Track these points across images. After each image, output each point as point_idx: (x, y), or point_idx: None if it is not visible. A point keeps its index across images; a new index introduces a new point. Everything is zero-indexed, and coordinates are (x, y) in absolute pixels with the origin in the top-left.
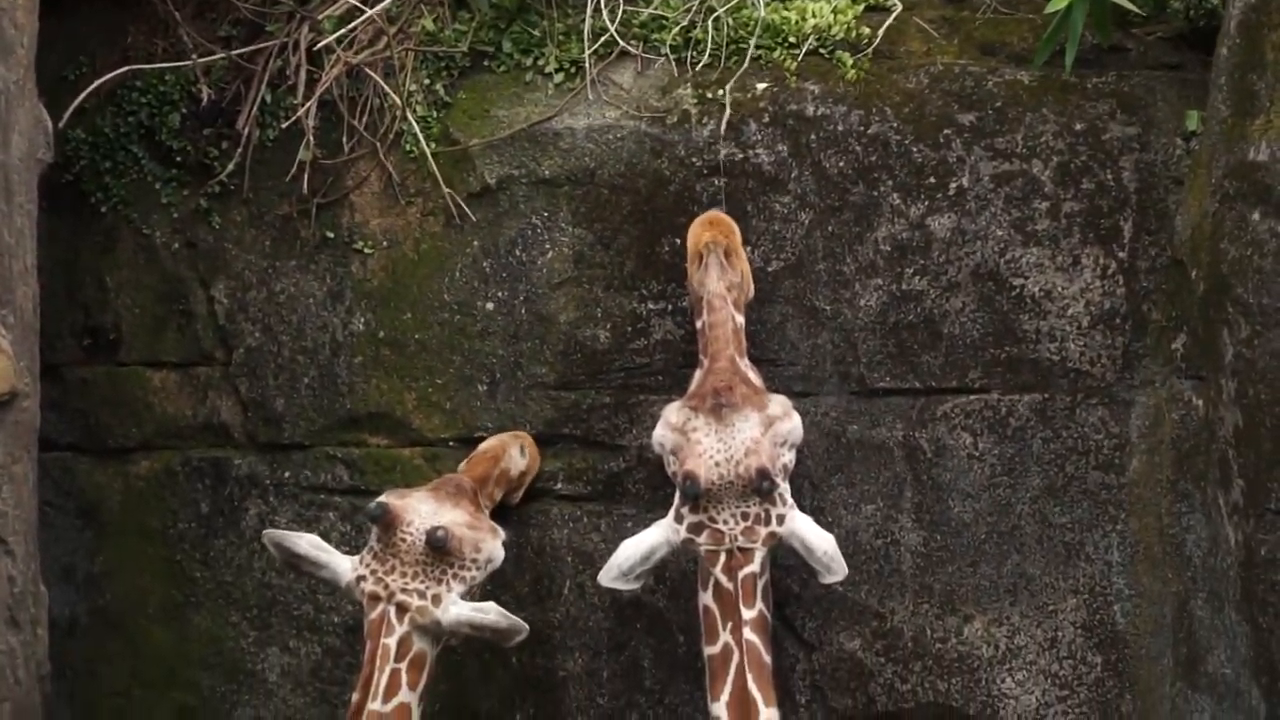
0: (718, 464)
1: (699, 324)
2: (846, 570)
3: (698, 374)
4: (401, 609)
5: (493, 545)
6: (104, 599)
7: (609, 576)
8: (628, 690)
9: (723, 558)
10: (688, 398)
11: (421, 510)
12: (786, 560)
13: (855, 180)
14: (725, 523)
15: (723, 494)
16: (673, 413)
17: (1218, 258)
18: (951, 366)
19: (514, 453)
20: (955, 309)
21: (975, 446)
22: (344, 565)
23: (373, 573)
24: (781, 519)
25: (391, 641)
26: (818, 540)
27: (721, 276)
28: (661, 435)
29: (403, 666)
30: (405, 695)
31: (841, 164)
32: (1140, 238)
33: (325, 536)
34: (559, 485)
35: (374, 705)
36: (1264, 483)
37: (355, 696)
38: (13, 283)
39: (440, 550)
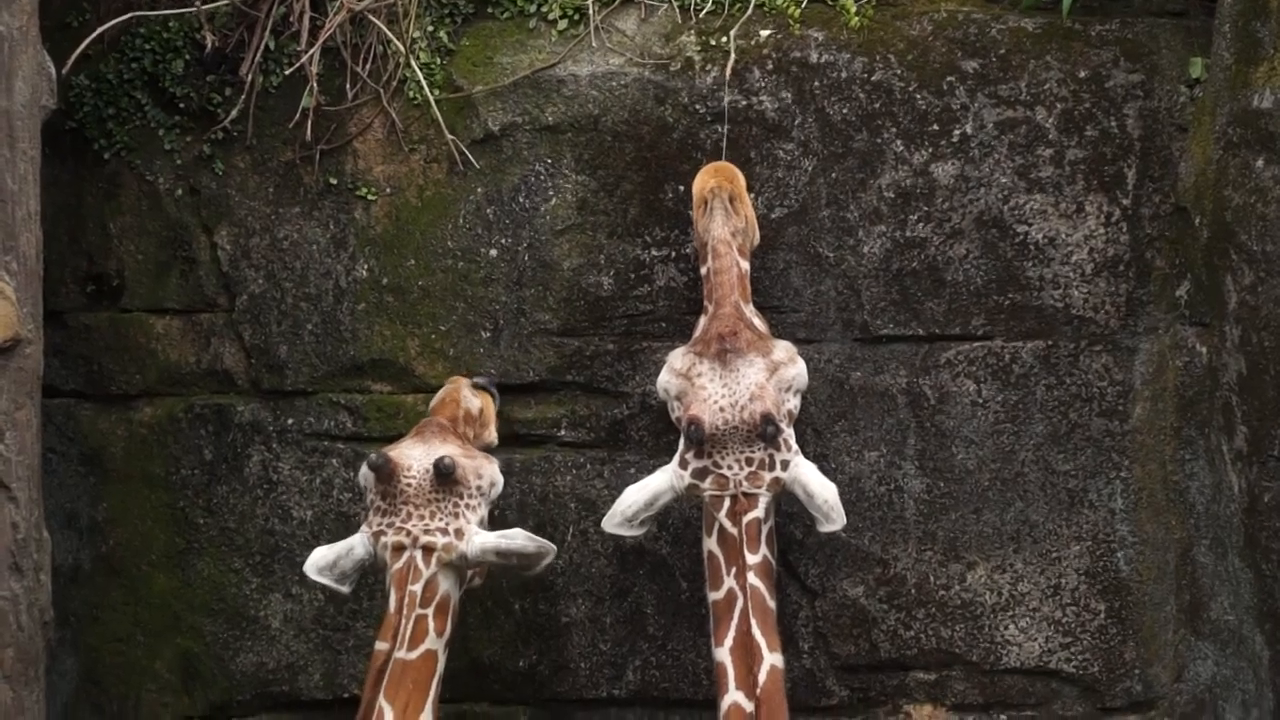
0: (722, 409)
1: (704, 270)
2: (844, 520)
3: (702, 320)
4: (428, 551)
5: (492, 470)
6: (107, 545)
7: (613, 523)
8: (631, 636)
9: (727, 503)
10: (692, 343)
11: (415, 454)
12: (790, 506)
13: (859, 127)
14: (730, 468)
15: (727, 439)
16: (677, 358)
17: (1221, 205)
18: (955, 313)
19: (466, 393)
20: (959, 256)
21: (979, 393)
22: (357, 540)
23: (389, 525)
24: (785, 464)
25: (418, 587)
26: (819, 488)
27: (726, 222)
28: (666, 381)
29: (429, 612)
30: (432, 642)
31: (845, 111)
32: (1144, 185)
33: (328, 484)
34: (562, 432)
35: (400, 654)
36: (1267, 429)
37: (381, 645)
38: (16, 229)
39: (449, 479)
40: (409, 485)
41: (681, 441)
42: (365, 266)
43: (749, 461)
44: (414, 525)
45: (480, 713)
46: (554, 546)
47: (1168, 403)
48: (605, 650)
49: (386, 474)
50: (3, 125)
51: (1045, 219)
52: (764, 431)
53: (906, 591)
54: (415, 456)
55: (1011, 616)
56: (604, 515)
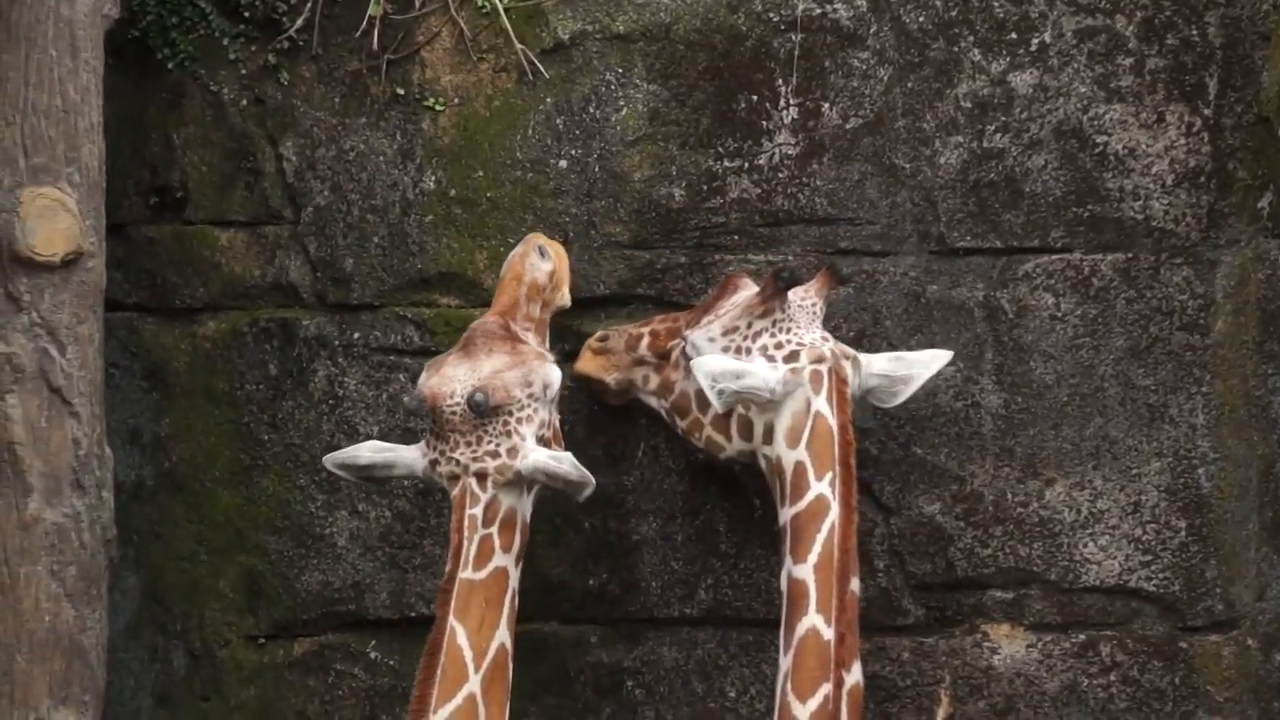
0: None
1: None
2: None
3: None
4: (481, 477)
5: (544, 371)
6: (170, 462)
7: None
8: (702, 554)
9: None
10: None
11: (458, 375)
12: (865, 423)
13: (935, 36)
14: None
15: None
16: None
17: None
18: (1033, 225)
19: (533, 260)
20: (1037, 167)
21: (1057, 307)
22: (412, 455)
23: (441, 453)
24: None
25: (478, 511)
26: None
27: None
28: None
29: (493, 531)
30: (500, 559)
31: (921, 19)
32: (1226, 94)
33: (395, 399)
34: None
35: (465, 574)
36: None
37: (448, 567)
38: (78, 141)
39: (484, 412)
40: (454, 413)
41: None
42: (433, 178)
43: None
44: (462, 454)
45: (550, 632)
46: (593, 480)
47: (1249, 316)
48: (676, 568)
49: (431, 408)
50: (65, 35)
51: (1125, 129)
52: None
53: (984, 509)
54: (458, 379)
55: (1090, 534)
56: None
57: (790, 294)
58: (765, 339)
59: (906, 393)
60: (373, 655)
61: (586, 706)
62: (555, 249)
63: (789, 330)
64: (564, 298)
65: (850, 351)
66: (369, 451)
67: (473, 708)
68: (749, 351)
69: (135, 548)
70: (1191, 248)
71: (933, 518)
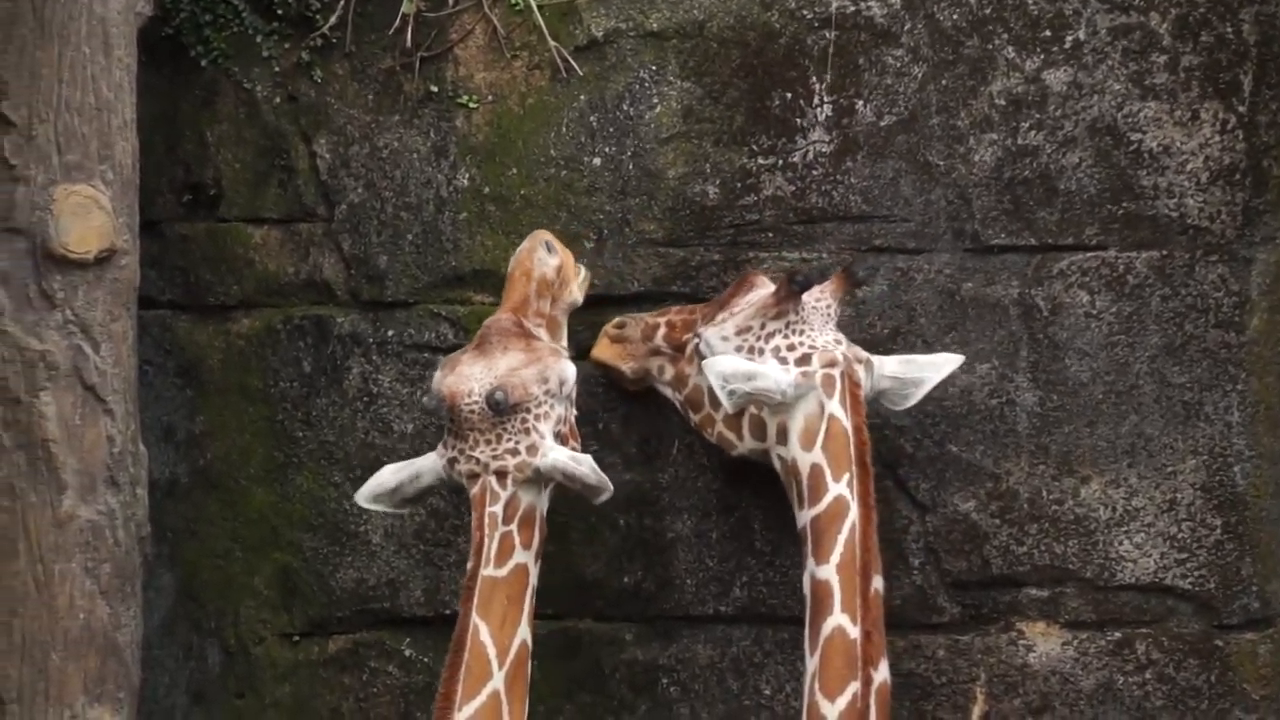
0: None
1: None
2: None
3: None
4: (501, 475)
5: (559, 367)
6: (204, 459)
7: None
8: (737, 552)
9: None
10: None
11: (475, 374)
12: (900, 420)
13: (969, 33)
14: None
15: None
16: None
17: None
18: (1068, 223)
19: (540, 256)
20: (1072, 164)
21: (1092, 304)
22: (430, 462)
23: (460, 452)
24: None
25: (498, 508)
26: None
27: None
28: None
29: (513, 528)
30: (520, 556)
31: (955, 16)
32: (1260, 91)
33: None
34: None
35: (487, 571)
36: None
37: (469, 564)
38: (112, 138)
39: (504, 411)
40: (472, 412)
41: None
42: (466, 175)
43: None
44: (482, 452)
45: (584, 629)
46: (611, 487)
47: None
48: (711, 566)
49: (449, 408)
50: (98, 32)
51: (1159, 127)
52: None
53: (1019, 506)
54: (475, 377)
55: (1126, 532)
56: None
57: (805, 296)
58: (778, 340)
59: (917, 396)
60: (407, 653)
61: (621, 704)
62: (559, 245)
63: (802, 332)
64: (573, 294)
65: (863, 354)
66: (391, 474)
67: (496, 704)
68: (761, 352)
69: (170, 545)
70: (1226, 245)
71: (968, 515)
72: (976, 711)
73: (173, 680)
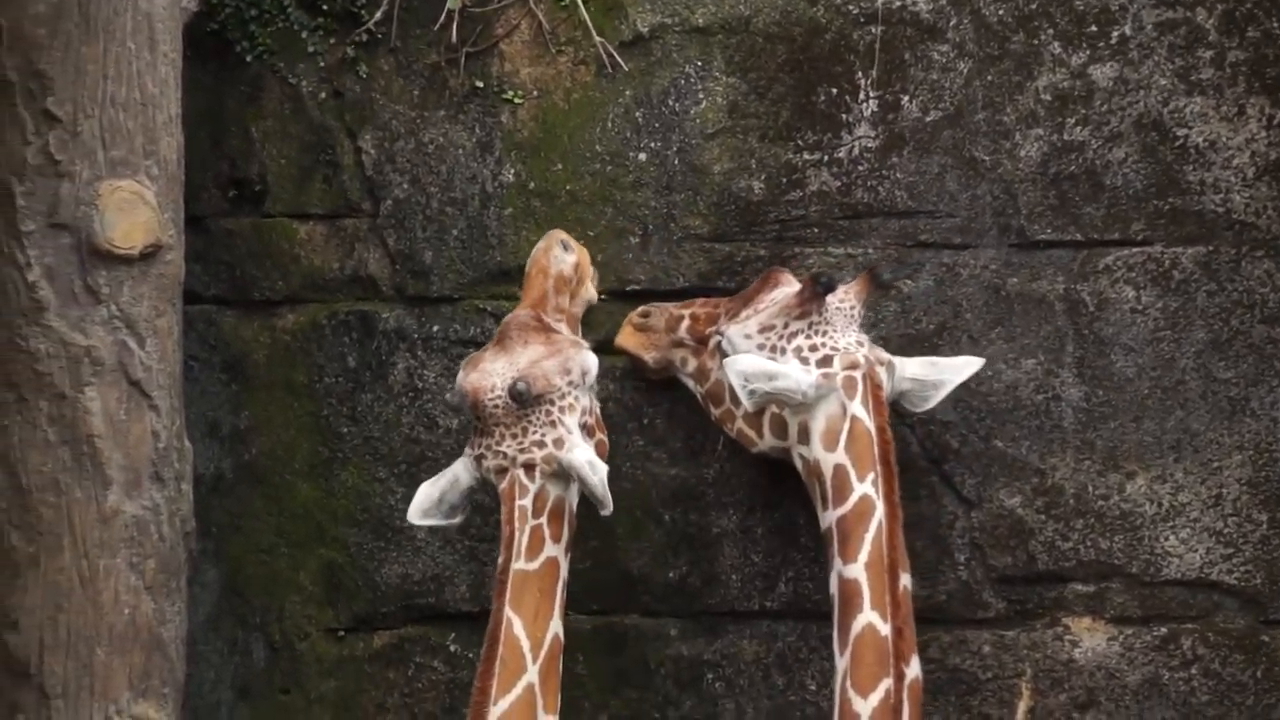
0: None
1: None
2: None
3: None
4: (529, 468)
5: (581, 358)
6: (249, 454)
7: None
8: (783, 548)
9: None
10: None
11: (497, 369)
12: (946, 415)
13: (1015, 28)
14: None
15: None
16: None
17: None
18: (1114, 218)
19: (556, 254)
20: (1118, 160)
21: (1138, 300)
22: (461, 468)
23: (488, 448)
24: None
25: (527, 501)
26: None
27: None
28: None
29: (543, 521)
30: (551, 549)
31: (1001, 12)
32: None
33: None
34: None
35: (518, 565)
36: None
37: (500, 558)
38: (157, 134)
39: (527, 402)
40: (497, 407)
41: None
42: (512, 171)
43: None
44: (508, 446)
45: (629, 624)
46: (611, 506)
47: None
48: (756, 562)
49: (473, 404)
50: (143, 28)
51: (1206, 122)
52: None
53: (1064, 501)
54: (497, 372)
55: (1172, 527)
56: None
57: (828, 296)
58: (800, 340)
59: (937, 398)
60: (452, 648)
61: (667, 699)
62: (574, 244)
63: (825, 333)
64: (590, 291)
65: (885, 356)
66: (430, 488)
67: (531, 698)
68: (783, 351)
69: (215, 540)
70: (1273, 240)
71: (1014, 510)
72: (1022, 707)
73: (218, 676)
